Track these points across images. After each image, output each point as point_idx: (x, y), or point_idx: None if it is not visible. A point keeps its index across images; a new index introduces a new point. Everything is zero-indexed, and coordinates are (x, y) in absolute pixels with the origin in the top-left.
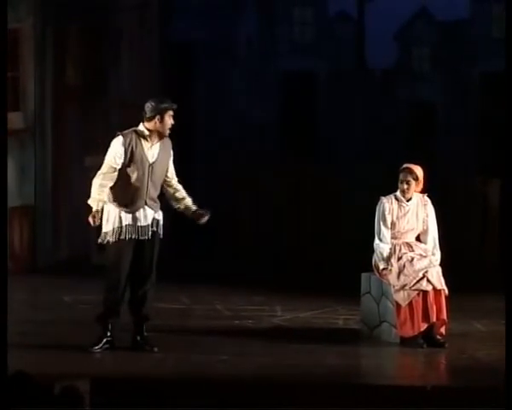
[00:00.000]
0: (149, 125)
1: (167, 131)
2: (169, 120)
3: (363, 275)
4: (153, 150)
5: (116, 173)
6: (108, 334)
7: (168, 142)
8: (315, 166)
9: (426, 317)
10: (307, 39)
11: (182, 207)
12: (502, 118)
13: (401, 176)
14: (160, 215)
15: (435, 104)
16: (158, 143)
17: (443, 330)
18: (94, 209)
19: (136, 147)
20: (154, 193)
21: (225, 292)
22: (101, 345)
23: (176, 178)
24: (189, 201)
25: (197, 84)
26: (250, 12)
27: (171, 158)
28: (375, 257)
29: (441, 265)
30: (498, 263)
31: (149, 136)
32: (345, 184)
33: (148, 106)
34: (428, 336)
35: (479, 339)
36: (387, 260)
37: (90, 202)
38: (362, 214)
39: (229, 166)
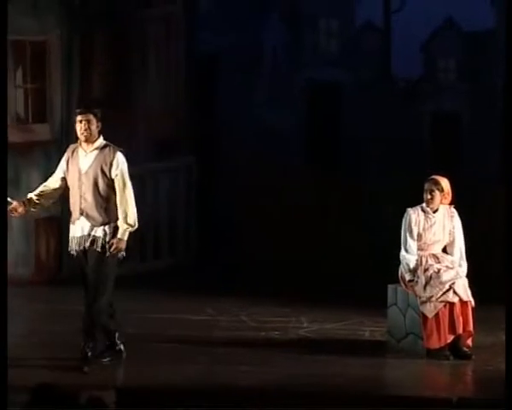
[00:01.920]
0: None
1: (81, 137)
2: (78, 126)
3: (390, 287)
4: (86, 159)
5: (56, 182)
6: (88, 348)
7: (110, 152)
8: (340, 176)
9: (452, 329)
10: (333, 50)
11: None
12: None
13: (426, 186)
14: (99, 231)
15: (460, 115)
16: (93, 152)
17: (469, 341)
18: (21, 200)
19: (73, 157)
20: (89, 204)
21: (251, 303)
22: (87, 356)
23: (121, 198)
24: (120, 225)
25: (223, 94)
26: (276, 22)
27: (116, 171)
28: (402, 269)
29: (467, 276)
30: None
31: (82, 144)
32: (370, 195)
33: None
34: (455, 348)
35: (504, 351)
36: (414, 271)
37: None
38: (387, 226)
39: (254, 175)
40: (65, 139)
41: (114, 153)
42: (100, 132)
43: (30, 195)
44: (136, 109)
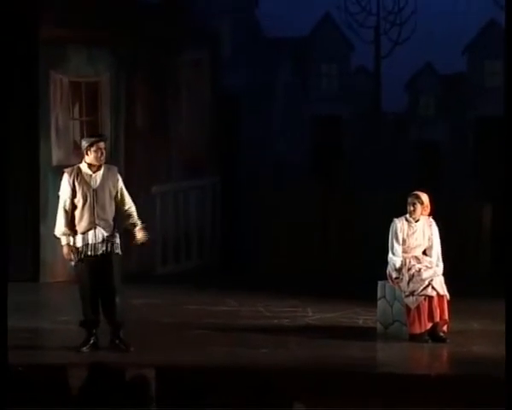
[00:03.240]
0: (86, 158)
1: (98, 161)
2: (95, 153)
3: (380, 283)
4: (95, 178)
5: (69, 204)
6: (92, 337)
7: (112, 170)
8: (340, 193)
9: (431, 317)
10: (333, 89)
11: (128, 223)
12: (495, 154)
13: (409, 200)
14: (114, 236)
15: (439, 143)
16: (100, 171)
17: (445, 328)
18: (64, 244)
19: (79, 178)
20: (104, 214)
21: (266, 296)
22: (87, 346)
23: (128, 201)
24: (135, 220)
25: (243, 125)
26: (286, 66)
27: (120, 183)
28: (389, 268)
29: (443, 274)
30: (490, 273)
31: (89, 166)
32: (364, 209)
33: (81, 143)
34: (433, 333)
35: (475, 336)
36: (399, 270)
37: (57, 234)
38: (378, 233)
39: (268, 193)
40: (113, 161)
41: (116, 171)
42: None
43: (66, 233)
44: (170, 137)
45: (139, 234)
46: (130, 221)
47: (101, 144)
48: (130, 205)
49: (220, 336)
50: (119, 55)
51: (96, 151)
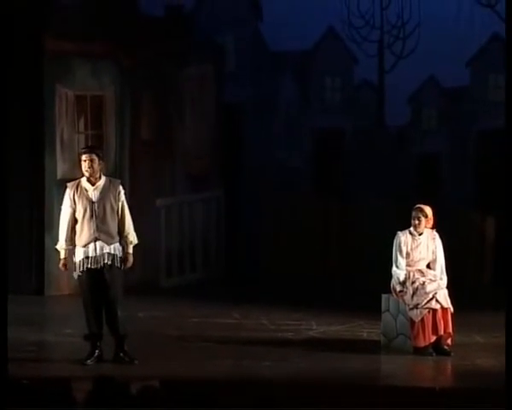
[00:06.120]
0: None
1: (87, 173)
2: (82, 163)
3: (384, 296)
4: (96, 191)
5: (69, 218)
6: (97, 350)
7: (114, 183)
8: (341, 203)
9: (435, 330)
10: (336, 102)
11: (124, 241)
12: (496, 166)
13: (413, 213)
14: (115, 249)
15: (442, 155)
16: (101, 184)
17: (449, 341)
18: (62, 257)
19: (79, 191)
20: (105, 227)
21: (269, 309)
22: (91, 359)
23: (126, 219)
24: (128, 240)
25: (246, 138)
26: (289, 78)
27: (122, 197)
28: (393, 281)
29: (447, 287)
30: (493, 285)
31: (88, 179)
32: (367, 219)
33: None
34: (437, 346)
35: (478, 349)
36: (403, 283)
37: (57, 247)
38: (380, 245)
39: (272, 203)
40: (118, 174)
41: (118, 184)
42: (101, 170)
43: (65, 247)
44: (175, 150)
45: (129, 259)
46: (127, 240)
47: (88, 156)
48: (128, 225)
49: (224, 348)
50: (124, 68)
51: (84, 161)
